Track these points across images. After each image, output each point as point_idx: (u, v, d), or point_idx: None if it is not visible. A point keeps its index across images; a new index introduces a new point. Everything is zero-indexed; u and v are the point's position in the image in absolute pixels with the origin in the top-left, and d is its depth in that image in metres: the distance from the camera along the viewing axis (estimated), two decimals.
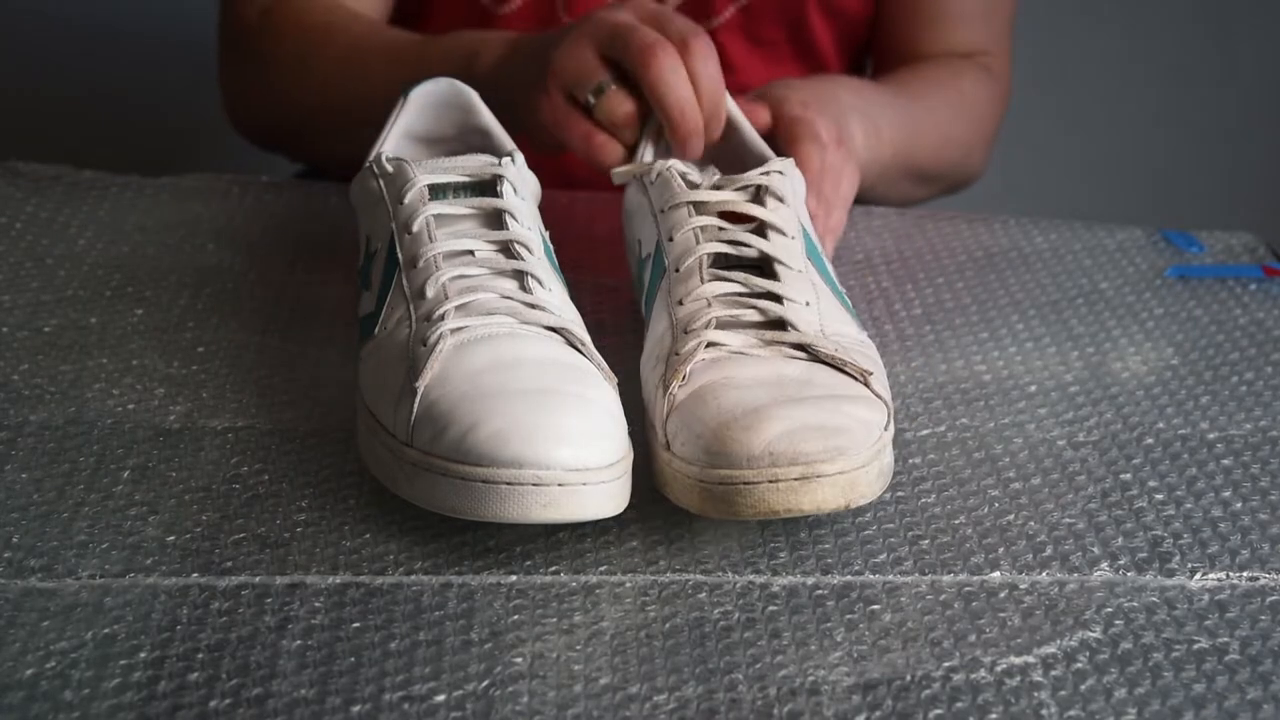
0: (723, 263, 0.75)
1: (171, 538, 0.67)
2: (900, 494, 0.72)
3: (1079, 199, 1.89)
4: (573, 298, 0.75)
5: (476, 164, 0.77)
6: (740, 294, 0.73)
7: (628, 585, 0.66)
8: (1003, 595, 0.66)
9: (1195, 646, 0.63)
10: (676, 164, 0.79)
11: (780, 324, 0.72)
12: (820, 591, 0.66)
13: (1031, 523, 0.71)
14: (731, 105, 0.90)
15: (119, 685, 0.59)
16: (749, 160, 0.87)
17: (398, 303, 0.73)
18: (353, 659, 0.61)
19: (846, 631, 0.63)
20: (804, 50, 1.16)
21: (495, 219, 0.76)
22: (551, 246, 0.78)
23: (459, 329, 0.70)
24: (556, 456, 0.64)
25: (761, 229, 0.76)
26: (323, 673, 0.60)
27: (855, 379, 0.70)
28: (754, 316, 0.72)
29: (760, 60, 1.15)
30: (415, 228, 0.75)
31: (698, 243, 0.75)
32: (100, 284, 0.90)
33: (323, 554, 0.67)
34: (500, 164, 0.77)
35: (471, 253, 0.74)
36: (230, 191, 1.03)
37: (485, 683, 0.60)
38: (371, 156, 0.81)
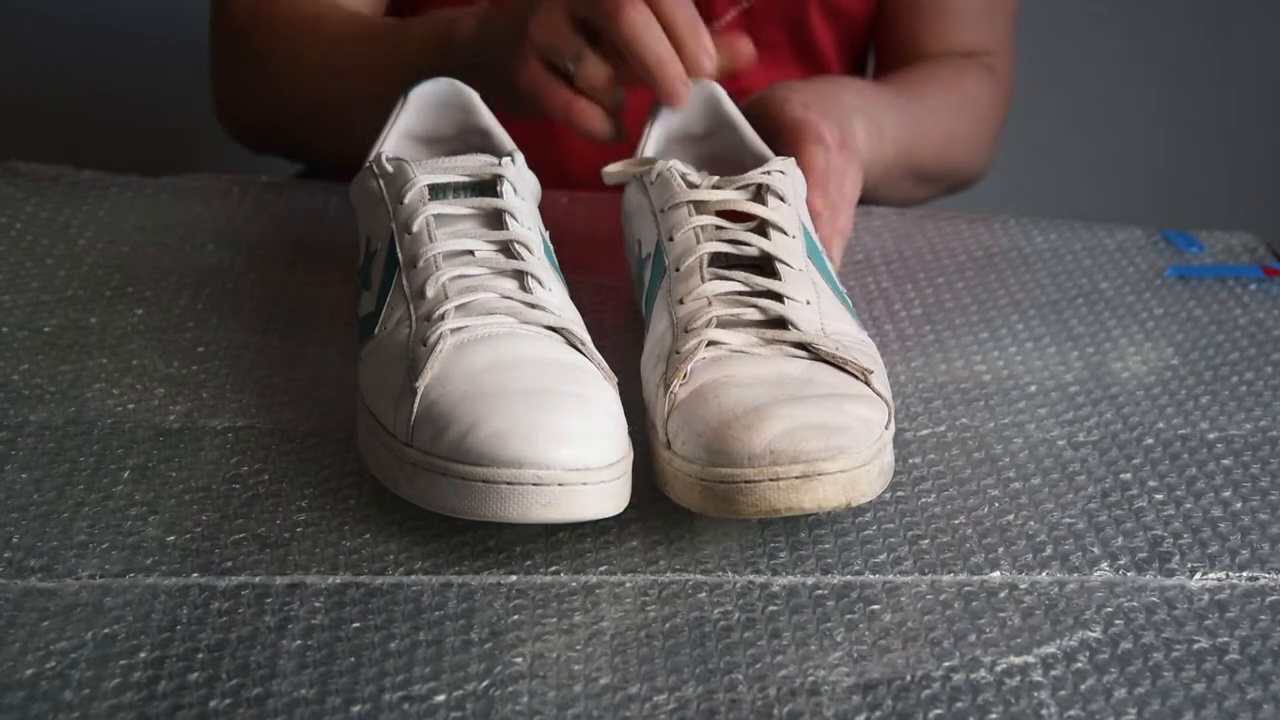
0: (723, 262, 0.75)
1: (171, 538, 0.67)
2: (900, 494, 0.72)
3: (1079, 199, 1.89)
4: (573, 298, 0.75)
5: (476, 164, 0.77)
6: (741, 293, 0.73)
7: (628, 585, 0.66)
8: (1003, 595, 0.66)
9: (1195, 646, 0.63)
10: (676, 163, 0.79)
11: (781, 323, 0.72)
12: (820, 591, 0.66)
13: (1031, 523, 0.71)
14: (730, 104, 0.90)
15: (119, 685, 0.59)
16: (749, 160, 0.87)
17: (398, 303, 0.73)
18: (353, 659, 0.61)
19: (846, 631, 0.63)
20: (805, 52, 1.16)
21: (495, 219, 0.76)
22: (551, 246, 0.78)
23: (459, 329, 0.70)
24: (556, 456, 0.64)
25: (762, 228, 0.76)
26: (323, 673, 0.60)
27: (856, 378, 0.70)
28: (755, 315, 0.72)
29: (761, 62, 1.15)
30: (415, 228, 0.75)
31: (698, 242, 0.75)
32: (100, 284, 0.90)
33: (323, 554, 0.67)
34: (500, 164, 0.77)
35: (471, 253, 0.74)
36: (230, 191, 1.03)
37: (485, 683, 0.60)
38: (371, 156, 0.81)
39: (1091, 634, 0.63)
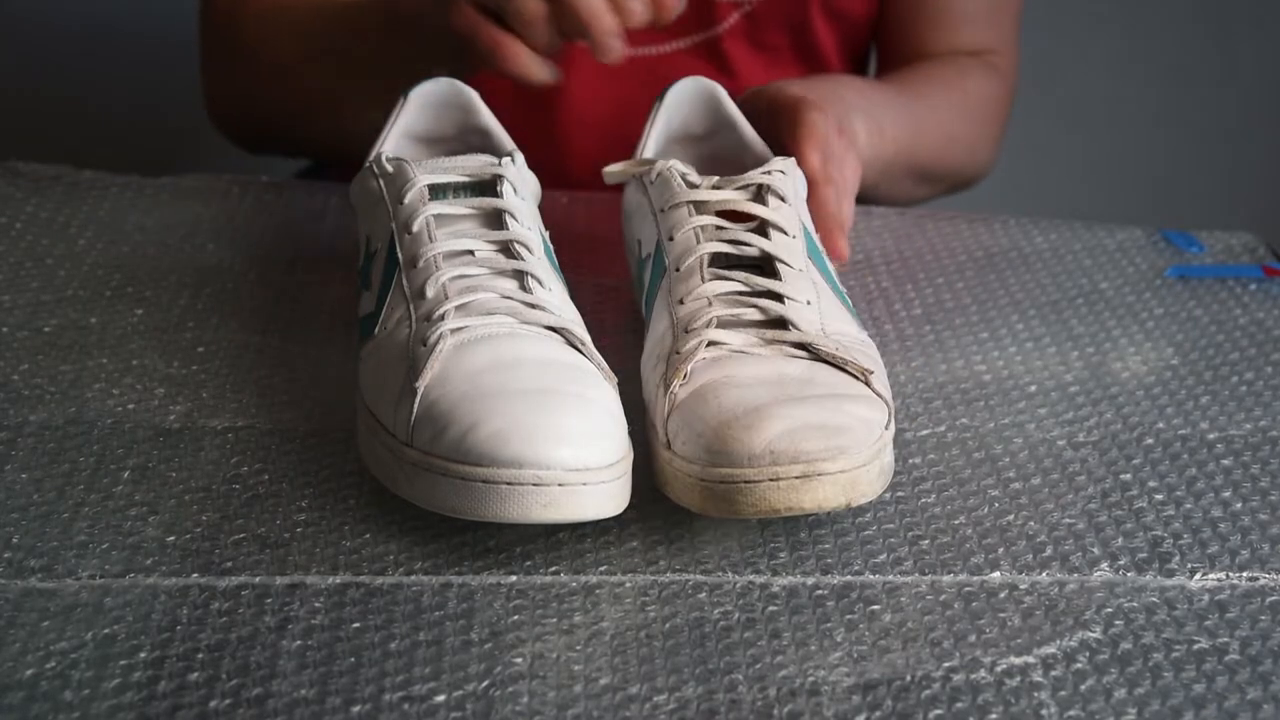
0: (723, 262, 0.75)
1: (171, 538, 0.67)
2: (900, 494, 0.72)
3: (1079, 199, 1.89)
4: (573, 298, 0.75)
5: (476, 164, 0.77)
6: (741, 293, 0.73)
7: (628, 585, 0.66)
8: (1003, 595, 0.66)
9: (1195, 646, 0.63)
10: (676, 163, 0.79)
11: (781, 323, 0.72)
12: (820, 591, 0.66)
13: (1031, 523, 0.71)
14: (730, 104, 0.90)
15: (119, 685, 0.59)
16: (749, 160, 0.87)
17: (398, 303, 0.73)
18: (353, 659, 0.61)
19: (846, 631, 0.63)
20: (807, 55, 1.16)
21: (495, 219, 0.76)
22: (551, 246, 0.78)
23: (459, 329, 0.70)
24: (556, 456, 0.64)
25: (763, 228, 0.76)
26: (323, 673, 0.60)
27: (856, 378, 0.70)
28: (755, 315, 0.72)
29: (763, 65, 1.15)
30: (415, 228, 0.75)
31: (698, 242, 0.75)
32: (100, 284, 0.90)
33: (323, 554, 0.67)
34: (500, 164, 0.77)
35: (471, 253, 0.74)
36: (230, 191, 1.03)
37: (485, 683, 0.60)
38: (371, 156, 0.81)
39: (1091, 634, 0.63)
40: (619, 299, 0.89)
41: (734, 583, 0.66)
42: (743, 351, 0.71)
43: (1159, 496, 0.73)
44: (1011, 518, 0.71)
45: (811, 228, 0.79)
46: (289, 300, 0.89)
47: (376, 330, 0.74)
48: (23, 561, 0.66)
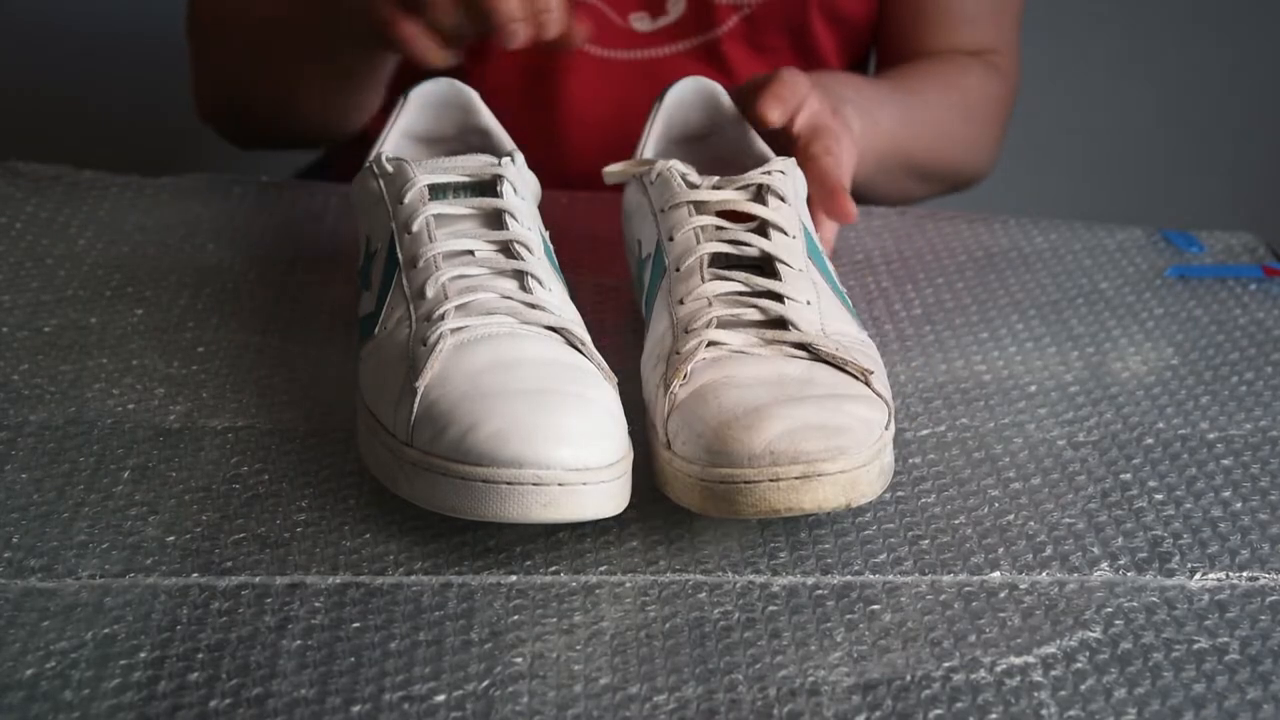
0: (723, 262, 0.75)
1: (171, 538, 0.67)
2: (900, 494, 0.72)
3: (1079, 199, 1.89)
4: (573, 298, 0.75)
5: (476, 164, 0.77)
6: (741, 293, 0.73)
7: (628, 585, 0.66)
8: (1003, 595, 0.66)
9: (1195, 646, 0.63)
10: (677, 164, 0.79)
11: (781, 323, 0.72)
12: (820, 591, 0.66)
13: (1031, 523, 0.71)
14: (730, 104, 0.90)
15: (119, 685, 0.59)
16: (749, 160, 0.87)
17: (398, 303, 0.73)
18: (353, 659, 0.61)
19: (846, 631, 0.63)
20: (806, 57, 1.15)
21: (495, 219, 0.76)
22: (551, 246, 0.78)
23: (459, 329, 0.70)
24: (556, 456, 0.64)
25: (763, 228, 0.76)
26: (323, 673, 0.60)
27: (856, 378, 0.70)
28: (755, 315, 0.72)
29: (763, 67, 1.15)
30: (415, 228, 0.75)
31: (698, 242, 0.75)
32: (100, 284, 0.90)
33: (323, 554, 0.67)
34: (500, 164, 0.77)
35: (471, 253, 0.74)
36: (230, 191, 1.03)
37: (485, 683, 0.60)
38: (372, 156, 0.81)
39: (1091, 634, 0.63)
40: (619, 299, 0.89)
41: (734, 583, 0.66)
42: (743, 352, 0.71)
43: (1159, 496, 0.73)
44: (1011, 518, 0.71)
45: (812, 228, 0.79)
46: (289, 300, 0.89)
47: (376, 330, 0.74)
48: (23, 561, 0.66)
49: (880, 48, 1.19)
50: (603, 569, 0.67)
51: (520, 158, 0.79)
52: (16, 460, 0.73)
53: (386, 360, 0.71)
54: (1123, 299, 0.94)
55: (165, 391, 0.79)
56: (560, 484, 0.64)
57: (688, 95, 0.90)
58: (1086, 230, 1.03)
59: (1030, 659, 0.62)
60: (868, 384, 0.70)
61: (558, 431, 0.64)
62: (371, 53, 0.94)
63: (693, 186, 0.78)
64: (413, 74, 0.91)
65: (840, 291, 0.77)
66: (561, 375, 0.68)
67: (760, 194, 0.77)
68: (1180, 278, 0.96)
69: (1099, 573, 0.68)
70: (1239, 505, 0.73)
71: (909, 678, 0.61)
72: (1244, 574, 0.68)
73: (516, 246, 0.74)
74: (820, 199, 0.84)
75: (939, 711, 0.59)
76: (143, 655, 0.60)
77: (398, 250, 0.75)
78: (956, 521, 0.71)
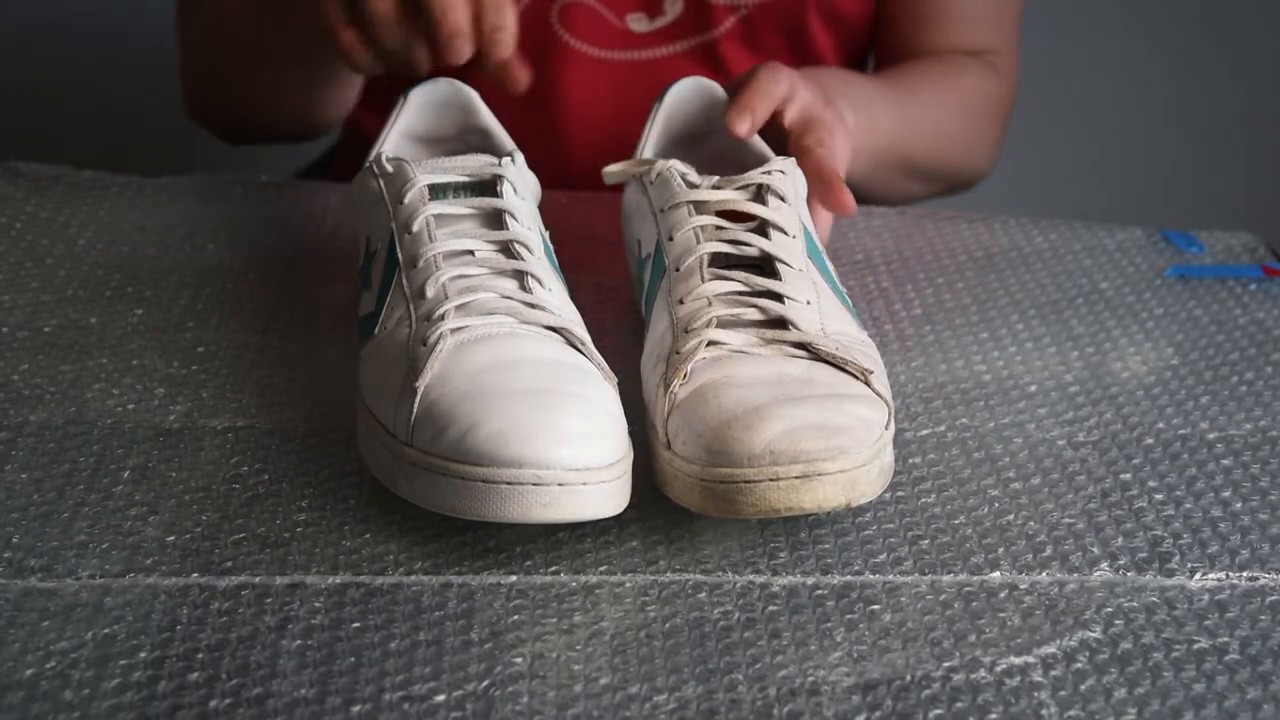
0: (723, 262, 0.75)
1: (171, 538, 0.67)
2: (900, 494, 0.72)
3: (1079, 199, 1.89)
4: (573, 298, 0.75)
5: (476, 164, 0.77)
6: (741, 293, 0.73)
7: (628, 585, 0.66)
8: (1003, 595, 0.66)
9: (1195, 646, 0.63)
10: (676, 163, 0.79)
11: (781, 323, 0.72)
12: (820, 591, 0.66)
13: (1031, 523, 0.71)
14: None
15: (119, 685, 0.59)
16: (749, 160, 0.87)
17: (398, 303, 0.73)
18: (353, 659, 0.61)
19: (846, 631, 0.63)
20: (804, 58, 1.15)
21: (495, 219, 0.76)
22: (551, 246, 0.78)
23: (459, 329, 0.70)
24: (556, 456, 0.64)
25: (763, 228, 0.76)
26: (323, 673, 0.60)
27: (856, 378, 0.70)
28: (755, 315, 0.72)
29: None
30: (415, 228, 0.75)
31: (698, 242, 0.75)
32: (100, 284, 0.90)
33: (323, 554, 0.67)
34: (500, 164, 0.77)
35: (471, 253, 0.74)
36: (230, 191, 1.03)
37: (485, 683, 0.60)
38: (372, 156, 0.81)
39: (1091, 634, 0.63)
40: (619, 299, 0.89)
41: (734, 583, 0.66)
42: (743, 351, 0.71)
43: (1159, 496, 0.73)
44: (1011, 518, 0.71)
45: (812, 227, 0.79)
46: (289, 300, 0.89)
47: (376, 330, 0.74)
48: (23, 561, 0.66)
49: (878, 48, 1.19)
50: (603, 569, 0.67)
51: (520, 158, 0.79)
52: (16, 460, 0.73)
53: (386, 360, 0.71)
54: (1123, 299, 0.94)
55: (165, 391, 0.79)
56: (560, 484, 0.64)
57: (687, 95, 0.90)
58: (1086, 230, 1.03)
59: (1030, 659, 0.62)
60: (868, 384, 0.70)
61: (558, 431, 0.64)
62: (329, 52, 0.94)
63: (692, 186, 0.78)
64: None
65: (840, 291, 0.77)
66: (561, 375, 0.68)
67: (760, 194, 0.77)
68: (1180, 278, 0.96)
69: (1099, 573, 0.68)
70: (1239, 505, 0.73)
71: (909, 678, 0.61)
72: (1244, 574, 0.68)
73: (516, 246, 0.74)
74: (816, 191, 0.84)
75: (939, 711, 0.59)
76: (143, 655, 0.60)
77: (398, 250, 0.75)
78: (956, 521, 0.71)
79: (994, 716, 0.59)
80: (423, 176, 0.76)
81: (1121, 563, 0.68)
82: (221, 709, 0.58)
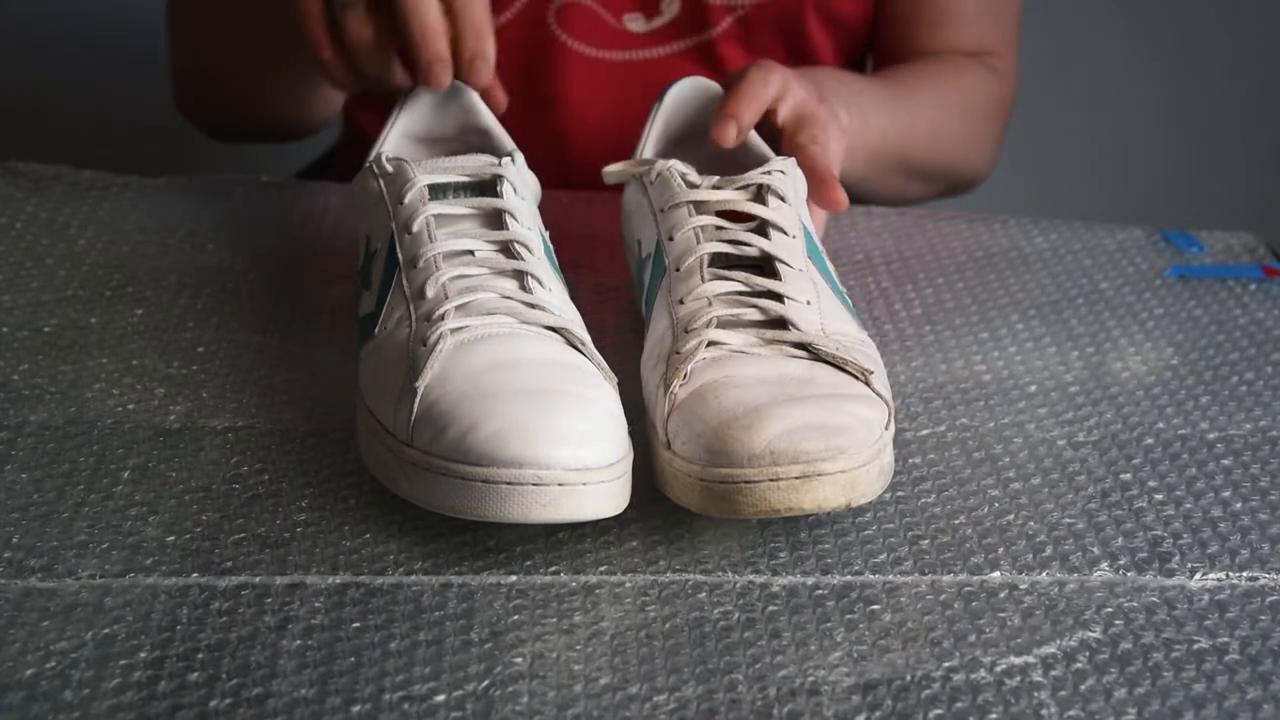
0: (723, 262, 0.75)
1: (171, 538, 0.67)
2: (900, 494, 0.72)
3: (1079, 199, 1.89)
4: (573, 298, 0.75)
5: (476, 164, 0.77)
6: (741, 293, 0.73)
7: (628, 585, 0.66)
8: (1003, 595, 0.66)
9: (1195, 646, 0.63)
10: (676, 163, 0.79)
11: (781, 323, 0.72)
12: (820, 591, 0.66)
13: (1031, 523, 0.71)
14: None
15: (119, 685, 0.59)
16: (749, 160, 0.87)
17: (398, 303, 0.73)
18: (353, 659, 0.61)
19: (846, 631, 0.63)
20: (802, 59, 1.15)
21: (495, 219, 0.76)
22: (551, 246, 0.78)
23: (459, 329, 0.70)
24: (556, 456, 0.64)
25: (763, 228, 0.76)
26: (323, 673, 0.60)
27: (856, 378, 0.70)
28: (755, 315, 0.72)
29: None
30: (415, 228, 0.75)
31: (698, 242, 0.75)
32: (100, 284, 0.90)
33: (323, 554, 0.67)
34: (500, 164, 0.77)
35: (471, 253, 0.74)
36: (230, 191, 1.03)
37: (485, 683, 0.60)
38: (372, 156, 0.81)
39: (1091, 634, 0.63)
40: (619, 299, 0.89)
41: (734, 583, 0.66)
42: (743, 351, 0.71)
43: (1159, 496, 0.73)
44: (1011, 518, 0.71)
45: (812, 227, 0.79)
46: (289, 300, 0.89)
47: (376, 330, 0.74)
48: (23, 561, 0.66)
49: (877, 49, 1.19)
50: (603, 569, 0.67)
51: (520, 158, 0.80)
52: (16, 460, 0.73)
53: (386, 360, 0.71)
54: (1123, 299, 0.94)
55: (165, 391, 0.79)
56: (560, 484, 0.64)
57: (687, 95, 0.90)
58: (1086, 230, 1.03)
59: (1030, 659, 0.62)
60: (868, 384, 0.70)
61: (558, 431, 0.64)
62: (301, 59, 0.93)
63: (692, 186, 0.77)
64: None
65: (840, 291, 0.77)
66: (561, 375, 0.68)
67: (760, 194, 0.77)
68: (1180, 278, 0.96)
69: (1099, 573, 0.68)
70: (1239, 505, 0.73)
71: (909, 678, 0.61)
72: (1244, 574, 0.68)
73: (516, 246, 0.74)
74: (809, 188, 0.84)
75: (939, 711, 0.59)
76: (143, 655, 0.60)
77: (398, 250, 0.75)
78: (956, 521, 0.71)
79: (994, 716, 0.59)
80: (423, 176, 0.76)
81: (1121, 563, 0.68)
82: (221, 709, 0.58)
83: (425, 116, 0.88)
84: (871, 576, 0.67)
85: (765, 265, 0.75)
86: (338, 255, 0.93)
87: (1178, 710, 0.59)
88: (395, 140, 0.87)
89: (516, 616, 0.63)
